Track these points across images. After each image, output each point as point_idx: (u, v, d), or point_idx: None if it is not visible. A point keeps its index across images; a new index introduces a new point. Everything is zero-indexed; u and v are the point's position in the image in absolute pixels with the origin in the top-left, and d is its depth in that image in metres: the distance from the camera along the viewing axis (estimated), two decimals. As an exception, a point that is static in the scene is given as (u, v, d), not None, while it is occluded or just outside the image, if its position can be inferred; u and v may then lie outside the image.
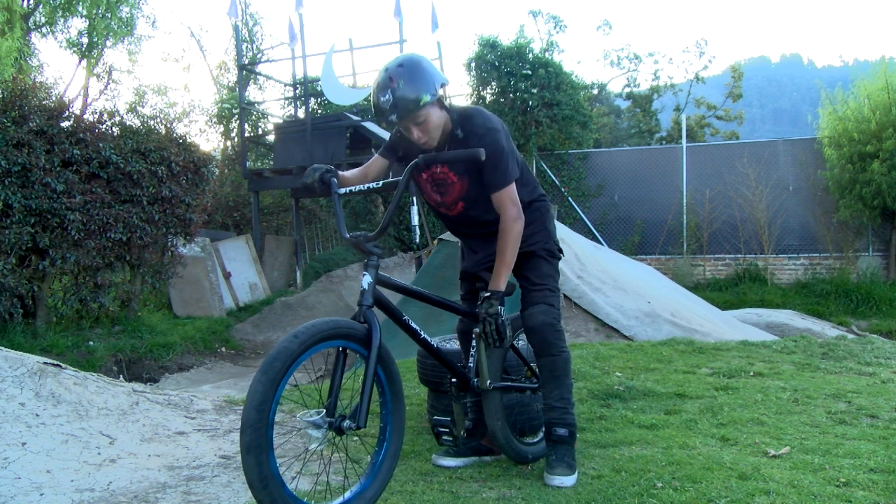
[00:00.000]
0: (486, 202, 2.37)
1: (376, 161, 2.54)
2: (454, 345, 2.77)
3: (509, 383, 2.60)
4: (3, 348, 3.22)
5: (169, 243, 7.78)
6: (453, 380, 2.48)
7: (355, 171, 2.51)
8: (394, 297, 2.50)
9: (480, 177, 2.35)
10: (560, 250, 2.58)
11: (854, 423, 2.95)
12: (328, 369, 2.06)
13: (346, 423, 1.94)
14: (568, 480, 2.30)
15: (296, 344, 1.84)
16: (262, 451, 1.74)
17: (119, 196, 6.92)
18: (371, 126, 11.76)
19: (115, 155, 6.87)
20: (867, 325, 8.84)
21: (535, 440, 2.70)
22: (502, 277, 2.34)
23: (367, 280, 2.11)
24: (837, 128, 10.87)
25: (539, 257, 2.49)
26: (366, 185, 2.29)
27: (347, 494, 1.99)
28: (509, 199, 2.32)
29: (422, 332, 2.33)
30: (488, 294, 2.34)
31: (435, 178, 2.43)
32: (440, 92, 2.23)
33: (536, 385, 2.71)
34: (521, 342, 2.76)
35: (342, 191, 2.28)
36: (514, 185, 2.35)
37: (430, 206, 2.55)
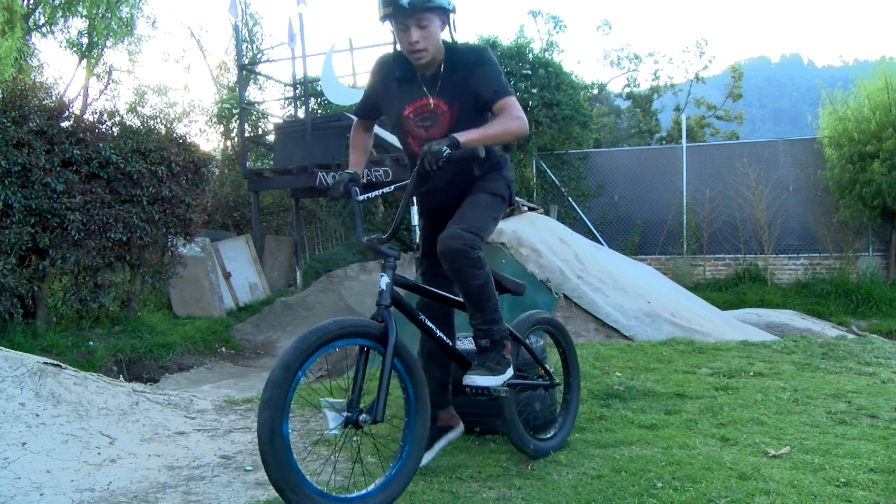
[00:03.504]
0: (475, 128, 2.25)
1: (365, 135, 2.59)
2: (468, 344, 2.74)
3: (522, 381, 2.59)
4: (3, 348, 3.22)
5: (169, 243, 7.78)
6: None
7: (357, 158, 2.53)
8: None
9: (470, 102, 2.33)
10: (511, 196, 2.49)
11: (854, 423, 2.95)
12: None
13: (363, 416, 1.99)
14: (480, 380, 2.25)
15: (335, 327, 1.93)
16: (278, 409, 1.80)
17: (119, 196, 6.92)
18: (371, 126, 11.71)
19: (115, 155, 6.87)
20: (867, 325, 8.84)
21: (547, 436, 2.71)
22: (473, 137, 2.15)
23: (384, 281, 2.15)
24: (837, 128, 10.86)
25: (486, 193, 2.39)
26: (379, 191, 2.36)
27: (351, 495, 1.99)
28: (517, 106, 2.27)
29: (437, 331, 2.34)
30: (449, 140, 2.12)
31: (423, 112, 2.38)
32: (452, 16, 2.26)
33: (548, 382, 2.72)
34: (533, 342, 2.76)
35: (361, 197, 2.35)
36: (515, 98, 2.31)
37: (411, 152, 2.44)
